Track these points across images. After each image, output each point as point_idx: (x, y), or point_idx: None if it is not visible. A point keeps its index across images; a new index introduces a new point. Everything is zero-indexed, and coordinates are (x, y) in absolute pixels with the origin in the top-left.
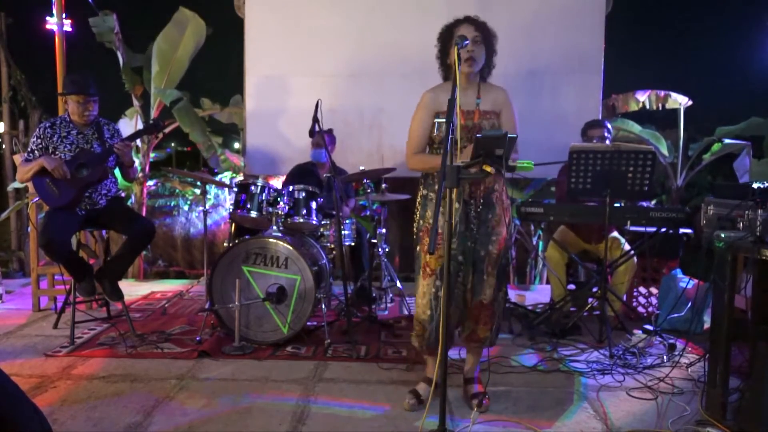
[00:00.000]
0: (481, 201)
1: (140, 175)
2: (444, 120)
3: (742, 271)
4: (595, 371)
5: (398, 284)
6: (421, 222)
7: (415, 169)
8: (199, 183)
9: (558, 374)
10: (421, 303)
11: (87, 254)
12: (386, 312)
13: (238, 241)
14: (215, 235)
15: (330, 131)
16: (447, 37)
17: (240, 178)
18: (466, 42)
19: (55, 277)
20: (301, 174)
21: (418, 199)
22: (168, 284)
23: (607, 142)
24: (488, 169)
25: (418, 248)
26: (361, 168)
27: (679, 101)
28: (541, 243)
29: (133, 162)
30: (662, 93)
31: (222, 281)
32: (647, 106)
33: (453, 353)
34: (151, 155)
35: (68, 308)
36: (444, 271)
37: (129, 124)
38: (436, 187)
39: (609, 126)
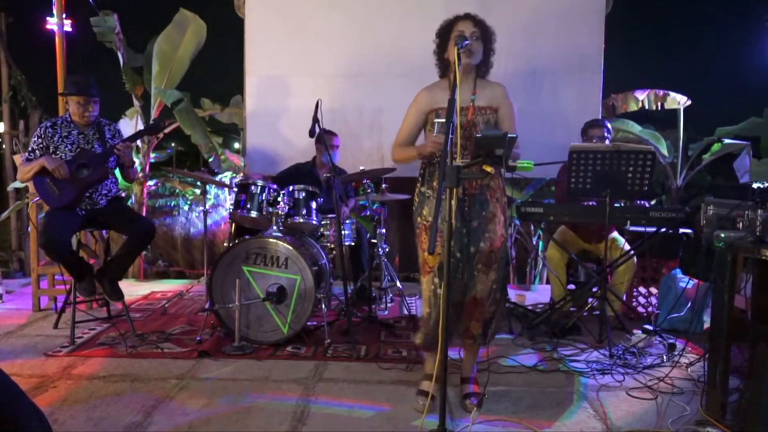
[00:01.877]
0: (474, 198)
1: (140, 175)
2: (442, 120)
3: (742, 271)
4: (595, 371)
5: (398, 284)
6: (418, 219)
7: (394, 161)
8: (199, 183)
9: (558, 374)
10: (425, 299)
11: (87, 254)
12: (386, 312)
13: (238, 241)
14: (215, 235)
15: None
16: (446, 32)
17: (240, 178)
18: (466, 42)
19: (56, 277)
20: (296, 175)
21: (416, 196)
22: (168, 284)
23: (607, 141)
24: (488, 169)
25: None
26: (361, 168)
27: (678, 100)
28: (541, 243)
29: (133, 162)
30: (661, 92)
31: (222, 281)
32: (646, 106)
33: (453, 353)
34: (152, 155)
35: (68, 308)
36: (444, 269)
37: (129, 125)
38: (435, 183)
39: (609, 126)
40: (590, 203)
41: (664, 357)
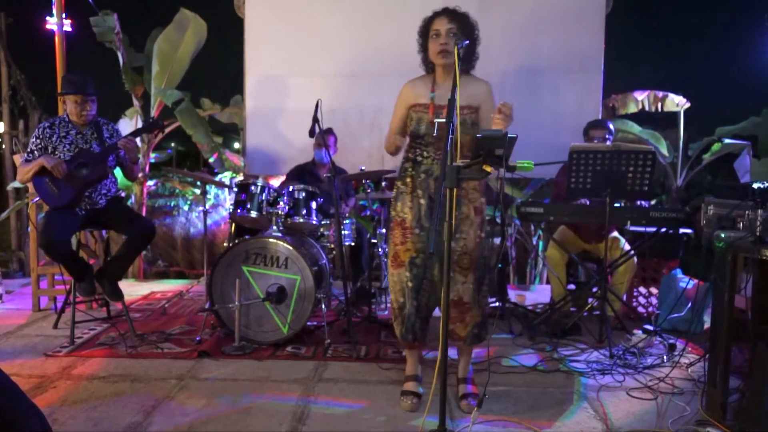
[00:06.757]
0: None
1: (140, 175)
2: (442, 119)
3: (742, 271)
4: (595, 371)
5: None
6: (392, 213)
7: (386, 150)
8: (199, 183)
9: (558, 374)
10: (395, 290)
11: (87, 254)
12: (386, 312)
13: (238, 241)
14: (215, 235)
15: (330, 130)
16: (425, 31)
17: (240, 178)
18: (466, 42)
19: (55, 277)
20: (300, 174)
21: (394, 191)
22: (168, 284)
23: (608, 143)
24: (488, 169)
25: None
26: (361, 168)
27: (677, 102)
28: (541, 243)
29: (138, 159)
30: (660, 94)
31: (222, 281)
32: (645, 107)
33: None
34: (152, 155)
35: (68, 308)
36: (444, 269)
37: (129, 124)
38: (408, 180)
39: (611, 127)
40: (584, 202)
41: (665, 357)
